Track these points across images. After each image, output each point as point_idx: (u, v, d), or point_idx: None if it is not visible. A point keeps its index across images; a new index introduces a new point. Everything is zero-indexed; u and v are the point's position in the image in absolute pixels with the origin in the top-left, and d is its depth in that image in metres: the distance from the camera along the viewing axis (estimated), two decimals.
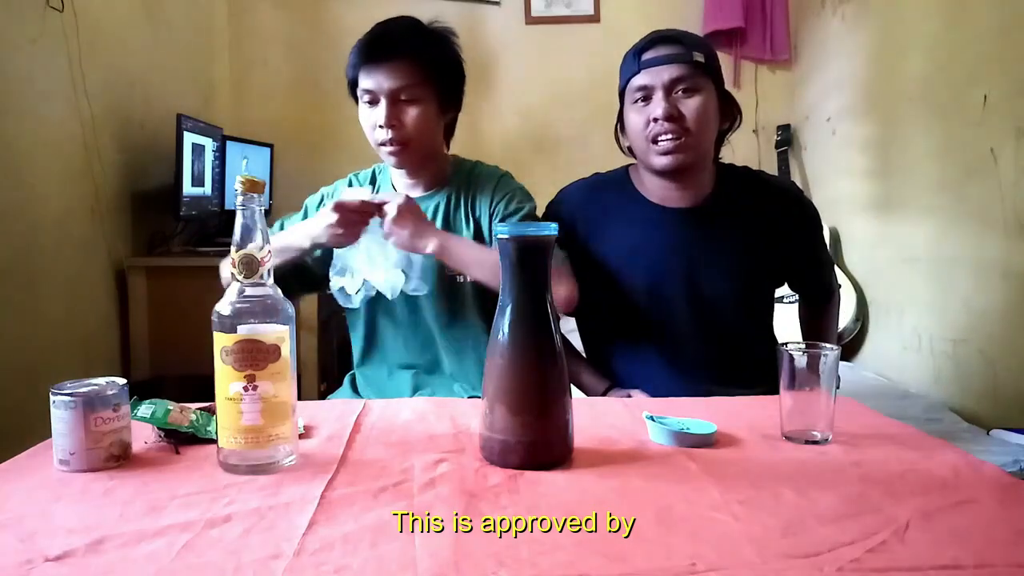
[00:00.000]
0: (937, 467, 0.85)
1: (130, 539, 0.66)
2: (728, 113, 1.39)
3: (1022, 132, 1.99)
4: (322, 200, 1.48)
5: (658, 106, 1.30)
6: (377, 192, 1.46)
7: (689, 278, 1.37)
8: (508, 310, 0.86)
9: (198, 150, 2.71)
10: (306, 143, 3.44)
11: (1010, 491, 0.78)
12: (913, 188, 2.54)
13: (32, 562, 0.62)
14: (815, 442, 0.94)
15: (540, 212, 1.49)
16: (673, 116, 1.30)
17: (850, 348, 2.87)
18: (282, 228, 1.47)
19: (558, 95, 3.43)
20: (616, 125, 1.43)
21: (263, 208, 0.85)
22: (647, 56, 1.33)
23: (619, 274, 1.40)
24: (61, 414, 0.83)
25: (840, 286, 1.61)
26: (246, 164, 3.08)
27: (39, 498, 0.76)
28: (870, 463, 0.87)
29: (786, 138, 3.40)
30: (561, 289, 1.33)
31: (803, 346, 0.96)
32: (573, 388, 1.51)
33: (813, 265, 1.51)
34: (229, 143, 2.96)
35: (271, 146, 3.27)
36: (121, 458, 0.85)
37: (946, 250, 2.34)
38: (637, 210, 1.40)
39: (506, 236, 0.86)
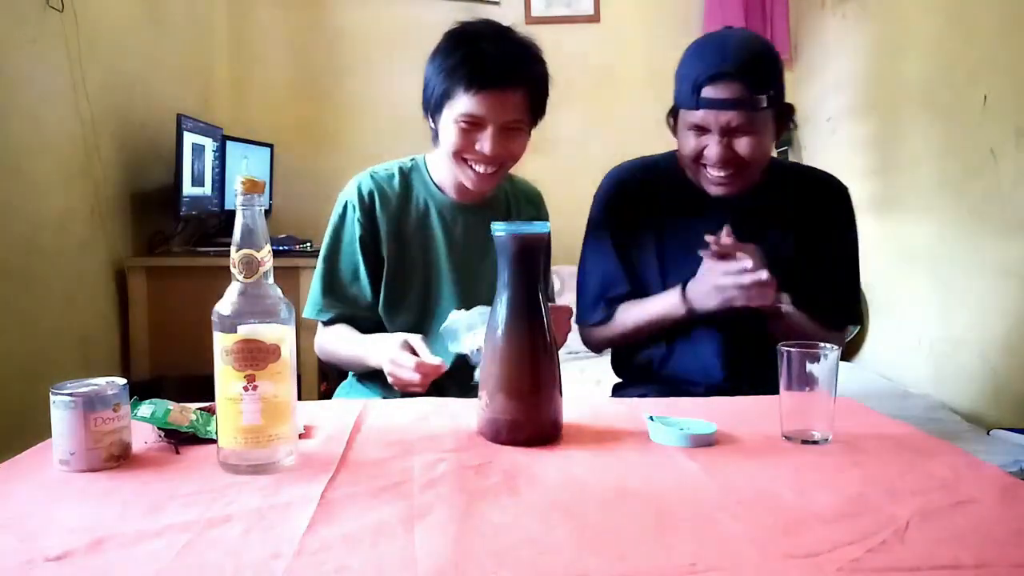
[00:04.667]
0: (937, 467, 0.85)
1: (130, 539, 0.66)
2: (784, 122, 1.36)
3: (1022, 132, 1.99)
4: (352, 208, 1.37)
5: (713, 147, 1.29)
6: (418, 199, 1.40)
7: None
8: (504, 300, 0.93)
9: (198, 150, 2.71)
10: (306, 143, 3.44)
11: (1010, 491, 0.78)
12: (913, 188, 2.55)
13: (32, 562, 0.62)
14: (815, 442, 0.94)
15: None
16: (727, 159, 1.29)
17: (850, 348, 2.87)
18: (331, 253, 1.38)
19: (558, 95, 3.42)
20: (668, 116, 1.40)
21: (263, 208, 0.85)
22: (707, 93, 1.26)
23: (662, 258, 1.41)
24: (61, 414, 0.83)
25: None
26: (246, 164, 3.08)
27: (39, 498, 0.76)
28: (870, 463, 0.87)
29: (786, 138, 3.40)
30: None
31: (803, 346, 0.96)
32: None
33: (839, 275, 1.42)
34: (229, 143, 2.96)
35: (271, 146, 3.27)
36: (121, 458, 0.85)
37: (946, 250, 2.34)
38: (683, 196, 1.41)
39: (503, 233, 0.93)
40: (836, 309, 1.44)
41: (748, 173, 1.33)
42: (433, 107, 1.32)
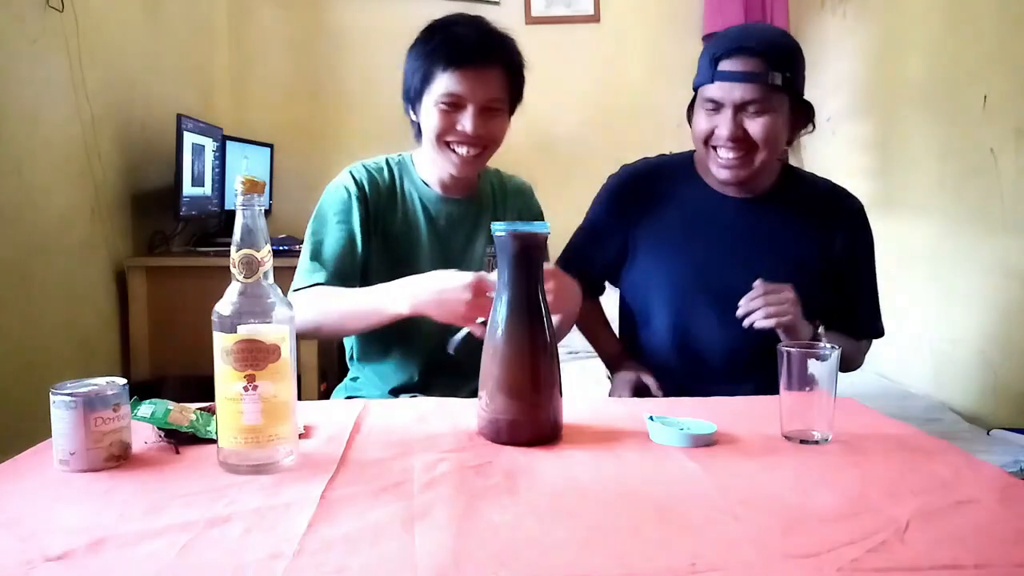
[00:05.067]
0: (937, 467, 0.85)
1: (130, 539, 0.66)
2: (800, 121, 1.37)
3: (1022, 132, 1.99)
4: (348, 192, 1.35)
5: (724, 125, 1.29)
6: (405, 192, 1.40)
7: (736, 264, 1.37)
8: (504, 300, 0.93)
9: (198, 150, 2.71)
10: (306, 143, 3.44)
11: (1010, 491, 0.78)
12: (913, 188, 2.54)
13: (32, 562, 0.62)
14: (815, 442, 0.94)
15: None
16: (738, 137, 1.29)
17: None
18: (319, 229, 1.34)
19: (558, 95, 3.43)
20: (688, 109, 1.42)
21: (263, 208, 0.85)
22: (724, 66, 1.29)
23: (668, 253, 1.41)
24: (61, 414, 0.83)
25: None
26: (246, 164, 3.08)
27: (39, 498, 0.76)
28: (870, 463, 0.87)
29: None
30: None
31: (803, 346, 0.96)
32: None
33: (858, 288, 1.44)
34: (229, 143, 2.96)
35: (271, 146, 3.27)
36: (121, 458, 0.85)
37: (946, 250, 2.34)
38: (695, 195, 1.42)
39: (504, 233, 0.93)
40: (862, 321, 1.46)
41: (758, 159, 1.31)
42: (413, 96, 1.33)
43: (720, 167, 1.33)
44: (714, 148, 1.33)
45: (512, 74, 1.33)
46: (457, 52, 1.27)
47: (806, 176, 1.49)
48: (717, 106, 1.30)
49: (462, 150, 1.31)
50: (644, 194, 1.45)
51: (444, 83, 1.28)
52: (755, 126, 1.29)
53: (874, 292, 1.47)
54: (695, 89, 1.38)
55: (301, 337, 1.20)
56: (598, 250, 1.50)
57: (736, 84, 1.27)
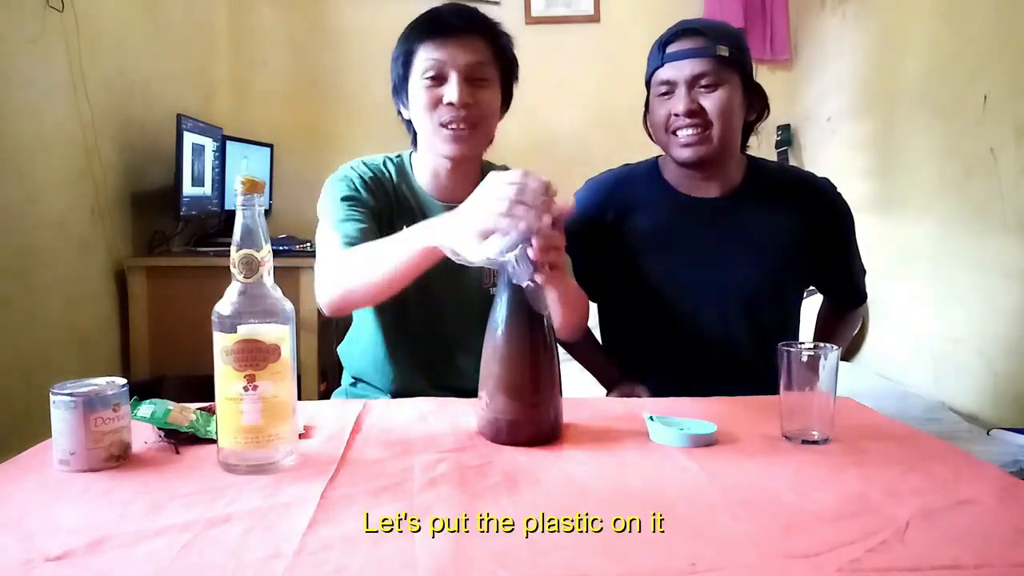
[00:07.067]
0: (937, 467, 0.85)
1: (130, 539, 0.66)
2: (755, 104, 1.40)
3: (1022, 132, 1.99)
4: (354, 180, 1.30)
5: (679, 101, 1.32)
6: (402, 191, 1.35)
7: (711, 267, 1.37)
8: (504, 300, 0.94)
9: (198, 150, 2.71)
10: (306, 143, 3.44)
11: (1010, 491, 0.78)
12: (913, 188, 2.55)
13: (32, 562, 0.62)
14: (815, 442, 0.94)
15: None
16: (694, 111, 1.32)
17: (850, 348, 2.87)
18: (341, 201, 1.26)
19: (558, 95, 3.43)
20: (644, 114, 1.44)
21: (263, 208, 0.85)
22: (671, 49, 1.34)
23: (643, 261, 1.41)
24: (61, 414, 0.83)
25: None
26: (246, 164, 3.08)
27: (39, 498, 0.76)
28: (870, 463, 0.87)
29: (786, 138, 3.40)
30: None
31: (803, 346, 0.96)
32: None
33: (844, 266, 1.49)
34: (229, 143, 2.96)
35: (271, 146, 3.27)
36: (121, 458, 0.85)
37: (946, 250, 2.34)
38: (664, 200, 1.42)
39: None
40: (851, 293, 1.54)
41: (715, 135, 1.32)
42: (399, 83, 1.32)
43: (681, 147, 1.35)
44: (674, 133, 1.35)
45: (496, 46, 1.29)
46: (435, 24, 1.25)
47: (773, 167, 1.50)
48: (671, 88, 1.34)
49: (451, 123, 1.25)
50: (613, 205, 1.43)
51: (425, 55, 1.25)
52: (709, 101, 1.32)
53: (858, 263, 1.52)
54: (648, 84, 1.41)
55: (354, 302, 1.19)
56: (573, 267, 1.48)
57: (685, 61, 1.32)
